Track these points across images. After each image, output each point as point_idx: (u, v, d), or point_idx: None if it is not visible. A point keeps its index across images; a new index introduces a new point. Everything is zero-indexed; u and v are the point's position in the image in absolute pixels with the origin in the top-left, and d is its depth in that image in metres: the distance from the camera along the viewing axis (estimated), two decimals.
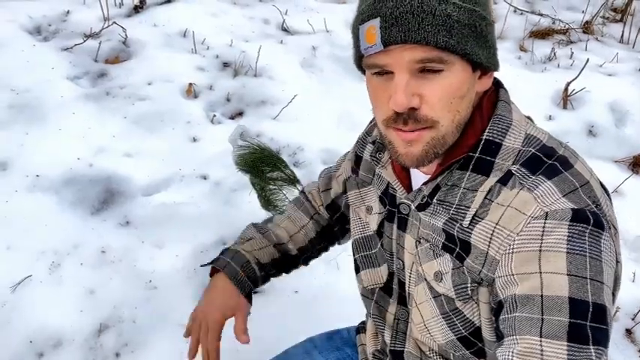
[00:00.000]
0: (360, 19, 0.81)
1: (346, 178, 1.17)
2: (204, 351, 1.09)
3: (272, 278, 1.23)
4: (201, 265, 1.23)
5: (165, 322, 1.90)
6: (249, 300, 1.14)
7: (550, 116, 3.00)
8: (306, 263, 1.29)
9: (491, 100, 0.90)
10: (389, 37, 0.77)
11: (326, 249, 1.31)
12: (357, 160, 1.13)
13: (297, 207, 1.28)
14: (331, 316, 1.91)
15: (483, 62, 0.82)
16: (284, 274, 1.26)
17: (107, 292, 1.98)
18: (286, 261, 1.23)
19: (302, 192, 1.32)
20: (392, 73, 0.80)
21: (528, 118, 0.92)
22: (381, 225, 1.04)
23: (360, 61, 0.86)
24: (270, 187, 1.77)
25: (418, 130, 0.81)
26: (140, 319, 1.91)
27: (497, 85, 0.93)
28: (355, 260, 1.11)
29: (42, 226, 2.15)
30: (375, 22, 0.78)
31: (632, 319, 2.04)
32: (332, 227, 1.28)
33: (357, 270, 1.11)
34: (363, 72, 0.90)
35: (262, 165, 1.58)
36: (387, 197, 1.03)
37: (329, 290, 2.05)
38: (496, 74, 0.91)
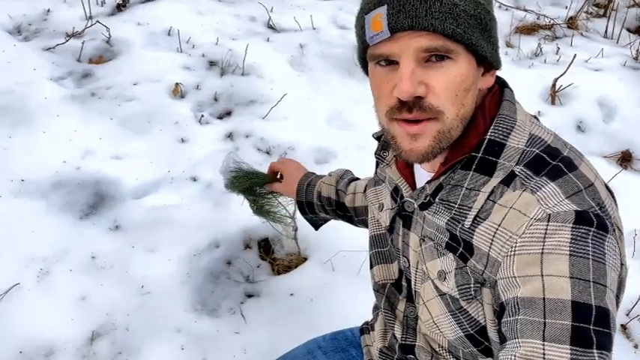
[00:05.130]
0: (367, 8, 0.80)
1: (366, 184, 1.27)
2: None
3: (327, 217, 1.49)
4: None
5: (160, 328, 1.86)
6: (302, 212, 1.48)
7: (539, 112, 3.00)
8: (351, 222, 1.46)
9: (495, 100, 0.89)
10: (396, 24, 0.76)
11: (350, 220, 1.46)
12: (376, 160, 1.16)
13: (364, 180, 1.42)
14: (328, 318, 1.89)
15: (488, 56, 0.82)
16: (334, 220, 1.52)
17: (99, 298, 1.93)
18: (339, 206, 1.42)
19: None
20: (397, 64, 0.79)
21: (534, 117, 0.91)
22: (392, 220, 1.04)
23: (364, 54, 0.85)
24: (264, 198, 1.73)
25: (424, 122, 0.80)
26: (133, 325, 1.87)
27: (502, 84, 0.92)
28: (370, 256, 1.14)
29: (29, 232, 2.09)
30: (382, 10, 0.77)
31: (627, 315, 2.05)
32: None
33: (371, 265, 1.13)
34: (366, 70, 0.89)
35: (254, 186, 1.58)
36: (397, 194, 1.03)
37: (324, 292, 2.02)
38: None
